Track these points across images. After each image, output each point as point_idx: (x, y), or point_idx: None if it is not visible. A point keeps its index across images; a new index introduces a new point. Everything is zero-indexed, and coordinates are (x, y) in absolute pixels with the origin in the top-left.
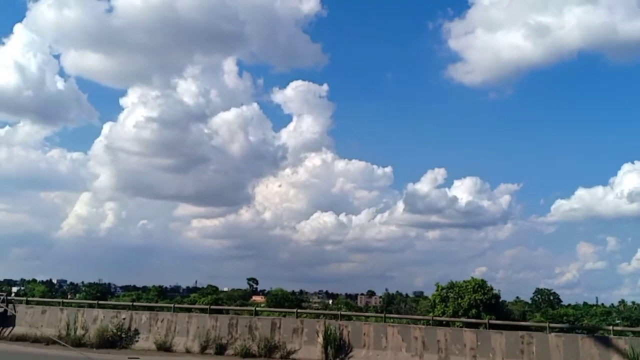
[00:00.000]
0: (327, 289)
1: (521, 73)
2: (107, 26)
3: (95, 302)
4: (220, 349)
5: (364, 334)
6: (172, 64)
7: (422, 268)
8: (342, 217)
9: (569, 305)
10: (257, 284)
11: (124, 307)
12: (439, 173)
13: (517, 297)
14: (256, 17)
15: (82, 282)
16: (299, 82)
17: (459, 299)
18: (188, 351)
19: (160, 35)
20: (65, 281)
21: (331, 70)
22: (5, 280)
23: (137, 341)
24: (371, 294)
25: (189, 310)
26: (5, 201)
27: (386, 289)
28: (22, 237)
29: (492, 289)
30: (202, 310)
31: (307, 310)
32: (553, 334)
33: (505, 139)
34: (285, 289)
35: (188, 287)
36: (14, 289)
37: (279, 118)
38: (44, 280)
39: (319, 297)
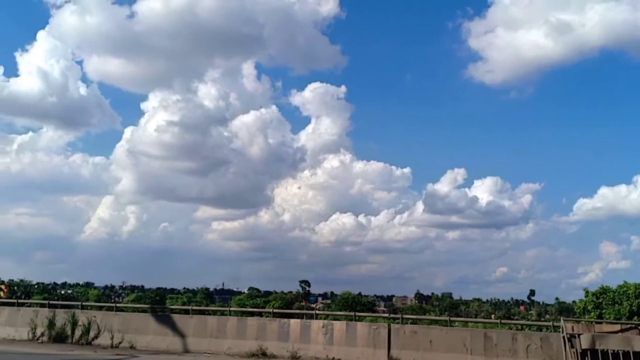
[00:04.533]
0: (350, 291)
1: (542, 71)
2: (129, 32)
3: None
4: None
5: None
6: (193, 68)
7: (442, 268)
8: (361, 218)
9: None
10: (309, 286)
11: None
12: (459, 173)
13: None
14: (275, 19)
15: (121, 285)
16: (317, 84)
17: (615, 304)
18: None
19: (181, 40)
20: (93, 284)
21: (350, 71)
22: (38, 283)
23: None
24: (419, 296)
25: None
26: (29, 205)
27: (417, 290)
28: (45, 241)
29: None
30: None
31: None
32: None
33: (526, 138)
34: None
35: (215, 289)
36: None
37: (297, 120)
38: (72, 283)
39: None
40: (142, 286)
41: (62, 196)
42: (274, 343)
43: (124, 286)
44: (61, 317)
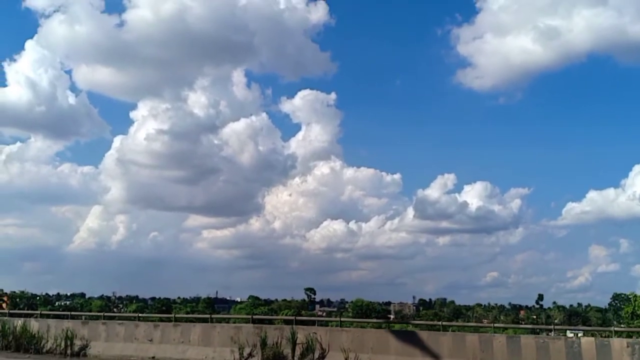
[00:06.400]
0: (342, 298)
1: (531, 77)
2: (118, 40)
3: None
4: None
5: None
6: (183, 76)
7: (433, 274)
8: (352, 225)
9: None
10: (314, 294)
11: None
12: (449, 178)
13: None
14: (265, 27)
15: (114, 295)
16: (306, 91)
17: None
18: None
19: (171, 48)
20: (84, 294)
21: (340, 78)
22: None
23: None
24: (422, 302)
25: None
26: (17, 216)
27: (414, 296)
28: (33, 252)
29: None
30: None
31: None
32: None
33: (515, 143)
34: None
35: (209, 298)
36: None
37: (287, 127)
38: (67, 294)
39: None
40: (137, 296)
41: (51, 206)
42: None
43: (116, 296)
44: (271, 333)
